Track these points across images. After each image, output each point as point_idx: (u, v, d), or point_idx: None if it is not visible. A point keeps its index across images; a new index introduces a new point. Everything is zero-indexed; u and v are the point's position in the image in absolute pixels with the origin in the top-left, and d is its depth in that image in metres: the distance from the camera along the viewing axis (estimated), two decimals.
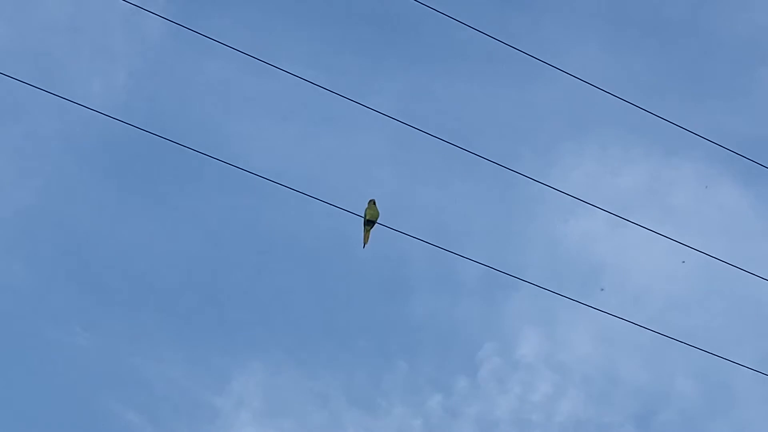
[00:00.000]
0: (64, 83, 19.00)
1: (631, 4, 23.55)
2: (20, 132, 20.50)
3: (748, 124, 22.34)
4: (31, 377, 19.81)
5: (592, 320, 19.72)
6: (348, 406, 20.21)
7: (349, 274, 20.76)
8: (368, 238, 12.07)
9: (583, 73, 11.27)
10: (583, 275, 20.79)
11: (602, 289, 19.65)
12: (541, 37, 21.58)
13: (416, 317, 21.28)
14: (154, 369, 20.19)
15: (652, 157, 22.34)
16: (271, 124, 21.48)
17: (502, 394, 20.85)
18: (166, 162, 20.41)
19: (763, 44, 23.51)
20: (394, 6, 22.06)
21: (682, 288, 21.34)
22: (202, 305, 20.94)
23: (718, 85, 23.32)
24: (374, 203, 11.90)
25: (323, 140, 20.93)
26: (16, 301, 20.29)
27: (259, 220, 21.34)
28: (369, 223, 11.98)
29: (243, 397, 20.13)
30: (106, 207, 21.12)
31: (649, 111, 11.56)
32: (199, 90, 21.22)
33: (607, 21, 23.28)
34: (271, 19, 21.28)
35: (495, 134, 21.23)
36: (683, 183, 22.27)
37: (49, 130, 20.61)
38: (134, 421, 19.51)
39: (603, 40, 22.96)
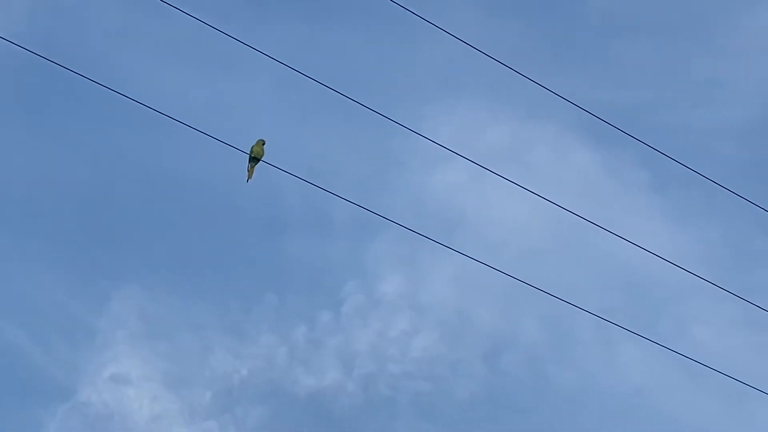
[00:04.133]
0: None
1: None
2: None
3: (604, 92, 22.60)
4: None
5: (451, 264, 19.90)
6: (219, 332, 20.43)
7: (230, 208, 20.85)
8: (252, 174, 12.04)
9: (460, 34, 11.21)
10: (446, 222, 20.85)
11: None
12: None
13: (288, 252, 21.46)
14: (35, 289, 20.18)
15: (516, 118, 22.48)
16: (166, 63, 21.29)
17: (362, 328, 21.15)
18: (59, 91, 20.26)
19: (621, 18, 23.77)
20: None
21: (535, 238, 21.53)
22: (87, 230, 20.92)
23: (580, 54, 23.55)
24: (263, 143, 11.86)
25: (215, 80, 20.82)
26: None
27: (148, 151, 21.25)
28: (254, 160, 11.93)
29: (121, 318, 20.20)
30: None
31: (518, 71, 11.49)
32: (97, 28, 20.95)
33: None
34: None
35: (375, 85, 21.19)
36: (543, 143, 22.47)
37: None
38: (14, 338, 19.54)
39: (480, 5, 22.95)
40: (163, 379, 20.19)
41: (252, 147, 11.89)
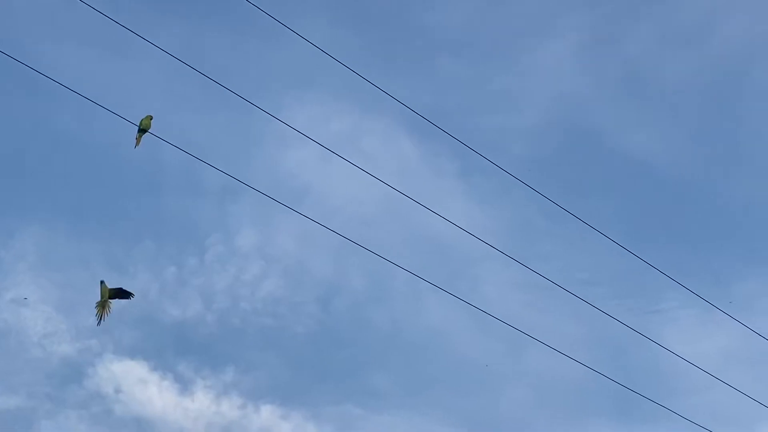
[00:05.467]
0: None
1: None
2: None
3: (427, 95, 24.22)
4: None
5: (297, 225, 21.80)
6: (104, 267, 21.46)
7: (120, 168, 22.03)
8: (140, 142, 12.50)
9: (313, 40, 11.91)
10: (294, 190, 21.97)
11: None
12: (285, 8, 21.38)
13: (165, 207, 23.02)
14: None
15: (355, 111, 23.92)
16: (76, 48, 22.14)
17: (221, 272, 22.79)
18: None
19: (442, 36, 25.43)
20: None
21: (365, 208, 23.25)
22: None
23: (408, 63, 25.16)
24: (150, 118, 12.44)
25: (116, 65, 21.56)
26: None
27: (57, 119, 22.52)
28: (142, 131, 12.44)
29: (22, 251, 21.44)
30: None
31: (358, 73, 12.10)
32: (14, 13, 21.38)
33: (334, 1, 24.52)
34: None
35: (244, 77, 21.70)
36: (376, 133, 23.98)
37: None
38: None
39: (330, 16, 24.43)
40: (55, 304, 21.39)
41: (141, 120, 12.44)
